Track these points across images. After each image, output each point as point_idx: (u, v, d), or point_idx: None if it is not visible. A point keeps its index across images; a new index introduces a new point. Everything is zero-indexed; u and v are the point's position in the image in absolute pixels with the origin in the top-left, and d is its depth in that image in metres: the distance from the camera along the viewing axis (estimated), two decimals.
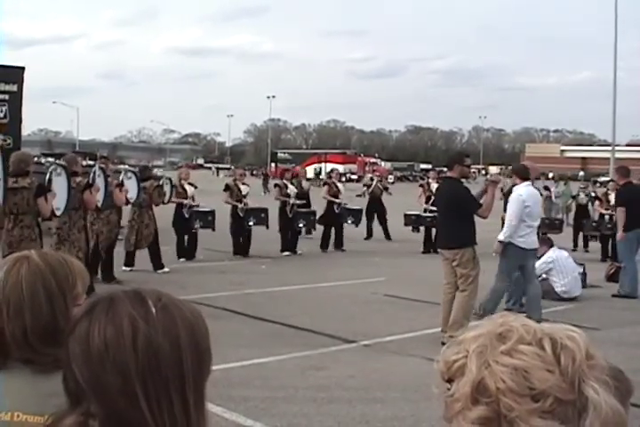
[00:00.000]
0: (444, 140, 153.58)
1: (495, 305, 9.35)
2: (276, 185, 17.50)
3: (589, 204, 19.48)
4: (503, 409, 1.02)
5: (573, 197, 21.10)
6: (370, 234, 19.99)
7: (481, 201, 8.89)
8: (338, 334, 8.64)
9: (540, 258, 10.93)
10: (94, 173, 10.76)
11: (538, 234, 10.42)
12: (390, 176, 66.88)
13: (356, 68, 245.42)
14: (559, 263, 11.39)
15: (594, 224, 17.21)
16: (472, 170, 15.74)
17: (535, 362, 1.03)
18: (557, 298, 11.09)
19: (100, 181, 10.80)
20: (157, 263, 13.22)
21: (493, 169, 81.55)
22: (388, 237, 19.71)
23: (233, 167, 53.95)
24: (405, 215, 18.40)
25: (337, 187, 17.77)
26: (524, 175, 9.65)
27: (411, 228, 18.80)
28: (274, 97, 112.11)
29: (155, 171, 19.69)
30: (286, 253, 16.28)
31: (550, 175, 59.58)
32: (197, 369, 1.23)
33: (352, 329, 8.91)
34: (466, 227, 8.71)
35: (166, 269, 13.14)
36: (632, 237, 12.12)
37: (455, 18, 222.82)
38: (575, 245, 18.43)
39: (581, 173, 64.95)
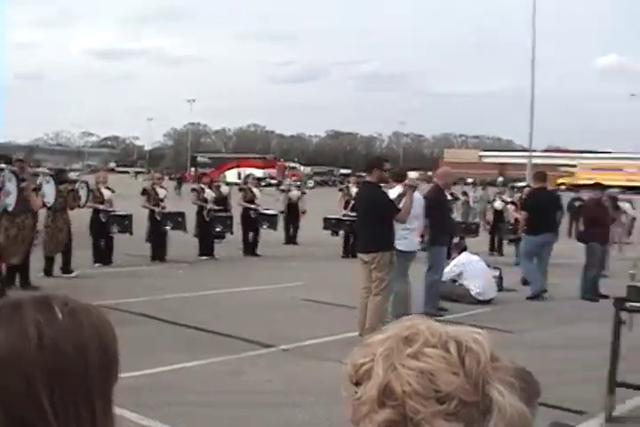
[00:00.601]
0: (363, 145, 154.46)
1: (403, 308, 9.50)
2: (193, 189, 17.43)
3: (504, 208, 19.86)
4: (409, 412, 1.01)
5: (490, 203, 21.46)
6: (289, 239, 20.02)
7: (400, 205, 8.98)
8: (256, 339, 8.59)
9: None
10: (4, 176, 10.51)
11: (451, 238, 10.61)
12: (310, 181, 67.16)
13: (277, 72, 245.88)
14: (470, 267, 11.60)
15: (509, 228, 17.53)
16: None
17: (440, 365, 1.02)
18: (474, 301, 11.27)
19: (10, 186, 10.55)
20: (66, 268, 13.03)
21: (413, 174, 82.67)
22: (293, 241, 19.97)
23: (150, 171, 53.45)
24: (325, 219, 18.49)
25: (252, 192, 17.77)
26: (397, 178, 9.92)
27: (330, 232, 18.88)
28: (194, 101, 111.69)
29: (71, 174, 19.36)
30: (204, 257, 16.21)
31: (469, 180, 60.55)
32: (104, 374, 1.20)
33: (270, 334, 8.88)
34: (384, 231, 8.79)
35: (74, 274, 12.95)
36: (539, 241, 12.44)
37: (379, 22, 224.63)
38: (492, 249, 18.77)
39: (500, 179, 66.17)
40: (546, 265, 12.59)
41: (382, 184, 9.19)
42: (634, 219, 23.04)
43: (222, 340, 8.64)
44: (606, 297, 10.60)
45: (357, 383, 1.10)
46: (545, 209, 12.38)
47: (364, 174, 11.61)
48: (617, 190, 29.55)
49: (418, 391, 1.01)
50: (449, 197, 12.34)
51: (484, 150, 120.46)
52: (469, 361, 1.03)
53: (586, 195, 14.47)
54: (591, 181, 17.14)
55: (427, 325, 1.08)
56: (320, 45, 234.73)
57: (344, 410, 1.07)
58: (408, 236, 9.71)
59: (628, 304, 5.97)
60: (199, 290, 11.82)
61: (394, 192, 9.53)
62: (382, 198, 8.92)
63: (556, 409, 6.15)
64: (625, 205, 20.84)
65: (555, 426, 1.49)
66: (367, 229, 8.99)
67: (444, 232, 10.82)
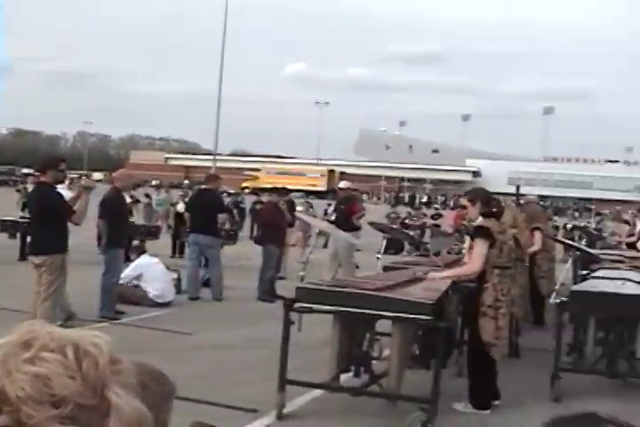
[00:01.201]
0: (47, 144, 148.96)
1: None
2: None
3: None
4: (24, 417, 0.97)
5: (172, 205, 21.53)
6: None
7: (75, 207, 8.69)
8: None
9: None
10: None
11: (131, 241, 10.47)
12: None
13: None
14: (149, 270, 11.52)
15: (188, 231, 17.61)
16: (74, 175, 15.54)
17: (57, 369, 0.99)
18: (152, 304, 11.19)
19: None
20: None
21: (97, 175, 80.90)
22: None
23: None
24: (1, 221, 17.54)
25: None
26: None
27: (7, 234, 17.95)
28: None
29: None
30: None
31: (154, 183, 60.49)
32: None
33: None
34: (56, 233, 8.48)
35: None
36: (190, 239, 12.97)
37: (67, 18, 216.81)
38: (174, 252, 18.80)
39: (186, 182, 66.79)
40: (213, 266, 12.69)
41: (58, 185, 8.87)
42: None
43: None
44: (283, 298, 10.95)
45: None
46: (203, 210, 12.65)
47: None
48: (299, 195, 30.75)
49: (32, 396, 0.97)
50: (128, 200, 12.20)
51: (171, 153, 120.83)
52: (87, 365, 1.01)
53: (266, 198, 14.93)
54: (274, 185, 17.80)
55: (47, 329, 1.04)
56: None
57: None
58: None
59: (297, 305, 6.16)
60: None
61: (65, 193, 9.24)
62: (55, 200, 8.58)
63: (228, 409, 6.25)
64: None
65: (197, 425, 1.47)
66: (38, 230, 8.64)
67: (122, 235, 10.67)
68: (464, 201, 7.51)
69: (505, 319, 6.78)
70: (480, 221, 6.96)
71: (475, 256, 6.78)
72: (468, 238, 7.49)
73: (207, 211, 12.55)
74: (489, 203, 7.04)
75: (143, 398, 1.13)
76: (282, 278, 13.88)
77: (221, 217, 12.34)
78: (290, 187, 19.13)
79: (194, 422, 1.50)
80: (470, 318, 6.93)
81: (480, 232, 6.79)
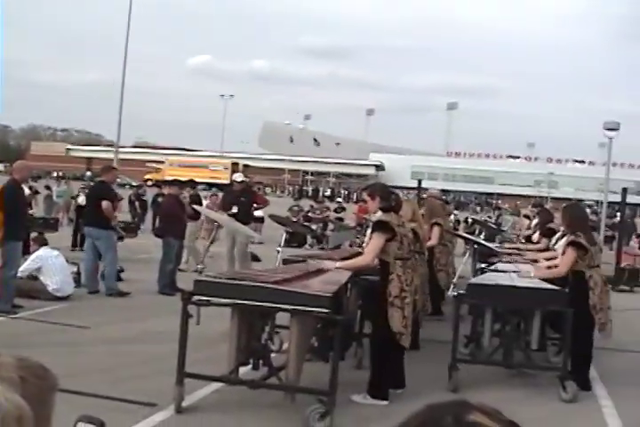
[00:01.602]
0: None
1: None
2: None
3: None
4: None
5: (73, 198, 21.11)
6: None
7: None
8: None
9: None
10: None
11: (29, 234, 10.19)
12: None
13: None
14: (48, 262, 11.26)
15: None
16: None
17: None
18: (51, 297, 10.95)
19: None
20: None
21: None
22: None
23: None
24: None
25: None
26: None
27: None
28: None
29: None
30: None
31: (55, 174, 59.22)
32: None
33: None
34: None
35: None
36: (85, 232, 12.97)
37: None
38: (74, 244, 18.44)
39: (88, 173, 65.50)
40: (104, 259, 12.34)
41: None
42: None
43: None
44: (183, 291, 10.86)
45: None
46: (93, 202, 12.50)
47: None
48: (201, 187, 30.40)
49: None
50: (27, 192, 11.89)
51: (73, 144, 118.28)
52: None
53: (167, 191, 14.74)
54: (176, 178, 17.62)
55: None
56: None
57: None
58: None
59: (196, 298, 6.13)
60: None
61: None
62: None
63: (127, 403, 6.17)
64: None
65: (84, 419, 1.44)
66: None
67: (20, 227, 10.39)
68: (364, 195, 7.61)
69: (409, 309, 6.94)
70: (379, 215, 7.12)
71: (369, 249, 6.99)
72: (368, 232, 7.62)
73: (95, 202, 12.38)
74: (388, 197, 7.19)
75: (23, 392, 1.11)
76: (182, 271, 13.86)
77: (105, 204, 12.01)
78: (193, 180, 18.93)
79: (81, 415, 1.47)
80: (375, 310, 7.05)
81: (378, 226, 6.95)
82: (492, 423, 1.02)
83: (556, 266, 8.46)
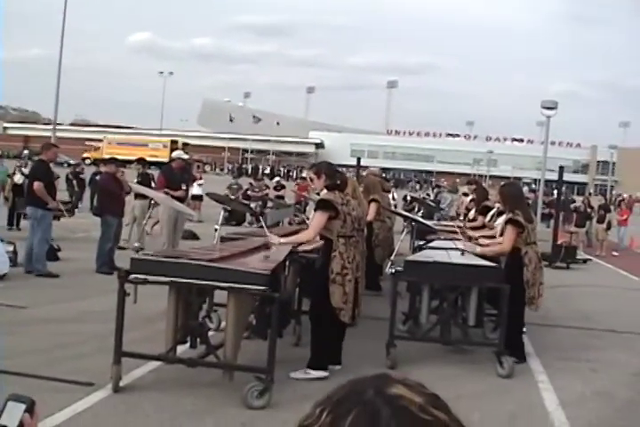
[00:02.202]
0: None
1: None
2: None
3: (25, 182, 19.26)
4: None
5: (9, 176, 20.74)
6: None
7: None
8: None
9: None
10: None
11: None
12: None
13: None
14: None
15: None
16: None
17: None
18: None
19: None
20: None
21: None
22: None
23: None
24: None
25: None
26: None
27: None
28: None
29: None
30: None
31: None
32: None
33: None
34: None
35: None
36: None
37: None
38: (10, 223, 18.16)
39: (26, 152, 64.24)
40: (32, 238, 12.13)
41: None
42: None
43: None
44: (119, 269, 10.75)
45: None
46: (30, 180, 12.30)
47: None
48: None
49: None
50: None
51: (9, 122, 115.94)
52: None
53: (104, 168, 14.55)
54: (115, 156, 17.38)
55: None
56: None
57: None
58: None
59: (132, 277, 6.07)
60: None
61: None
62: None
63: (64, 383, 6.11)
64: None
65: (13, 397, 1.41)
66: None
67: None
68: (310, 174, 7.69)
69: (350, 285, 7.04)
70: (323, 193, 7.26)
71: (311, 225, 7.19)
72: (311, 209, 7.75)
73: (30, 182, 12.18)
74: (333, 175, 7.32)
75: None
76: (123, 249, 13.76)
77: (36, 185, 11.78)
78: (130, 158, 18.70)
79: (10, 394, 1.43)
80: (316, 286, 7.15)
81: (321, 204, 7.08)
82: (413, 396, 1.03)
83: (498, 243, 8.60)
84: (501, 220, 9.20)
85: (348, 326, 7.43)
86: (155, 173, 17.35)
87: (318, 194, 8.07)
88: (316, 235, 7.10)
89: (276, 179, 32.50)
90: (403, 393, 1.04)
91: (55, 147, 12.92)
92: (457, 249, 8.96)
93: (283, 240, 7.30)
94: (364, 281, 7.59)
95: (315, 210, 7.19)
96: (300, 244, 7.66)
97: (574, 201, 29.30)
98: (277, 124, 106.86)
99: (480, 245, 9.18)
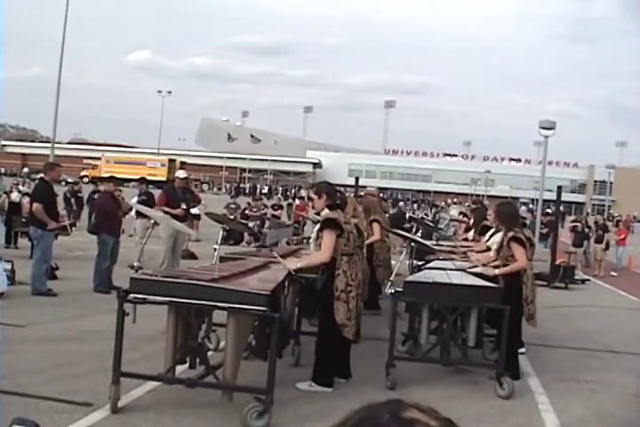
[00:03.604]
0: None
1: None
2: None
3: (21, 200, 19.26)
4: None
5: (6, 193, 20.74)
6: None
7: None
8: None
9: None
10: None
11: None
12: None
13: None
14: None
15: (23, 220, 16.97)
16: None
17: None
18: None
19: None
20: None
21: None
22: None
23: None
24: None
25: None
26: None
27: None
28: None
29: None
30: None
31: None
32: None
33: None
34: None
35: None
36: None
37: None
38: (8, 241, 18.11)
39: (26, 170, 64.36)
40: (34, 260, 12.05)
41: None
42: None
43: None
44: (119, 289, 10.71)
45: None
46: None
47: None
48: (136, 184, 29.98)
49: None
50: None
51: (7, 140, 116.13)
52: None
53: (102, 187, 14.53)
54: (113, 175, 17.39)
55: None
56: None
57: None
58: None
59: (132, 296, 6.06)
60: None
61: None
62: None
63: (62, 403, 6.07)
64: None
65: (18, 421, 1.40)
66: None
67: None
68: (311, 194, 7.82)
69: (354, 302, 7.21)
70: (326, 213, 7.35)
71: (324, 246, 7.17)
72: (315, 229, 7.85)
73: (31, 202, 12.18)
74: (334, 195, 7.51)
75: None
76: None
77: (34, 207, 11.77)
78: (129, 176, 18.71)
79: (15, 418, 1.42)
80: (322, 303, 7.31)
81: (328, 224, 7.19)
82: (429, 420, 1.03)
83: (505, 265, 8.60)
84: (495, 239, 9.29)
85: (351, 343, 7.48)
86: (154, 191, 17.35)
87: (317, 214, 8.12)
88: (331, 255, 7.15)
89: (277, 196, 32.55)
90: (418, 417, 1.04)
91: (59, 167, 12.77)
92: (455, 270, 8.96)
93: (299, 265, 7.34)
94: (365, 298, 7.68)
95: (321, 230, 7.29)
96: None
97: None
98: (275, 142, 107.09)
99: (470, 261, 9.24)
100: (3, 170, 62.61)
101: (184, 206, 13.12)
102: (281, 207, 28.96)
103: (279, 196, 36.61)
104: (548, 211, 28.32)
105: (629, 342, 10.86)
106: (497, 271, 8.57)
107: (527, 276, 8.42)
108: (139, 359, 7.31)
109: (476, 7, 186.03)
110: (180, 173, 14.10)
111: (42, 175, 12.79)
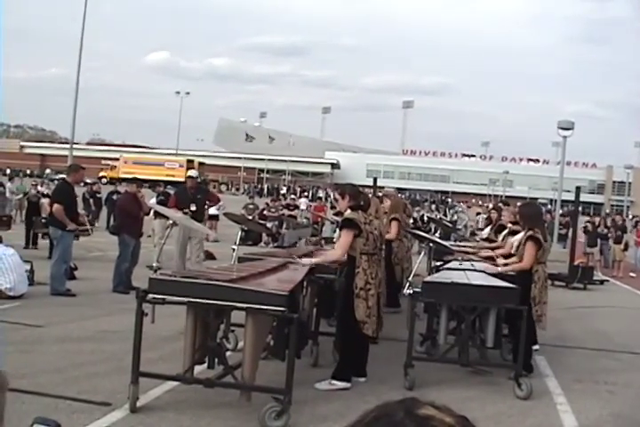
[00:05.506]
0: None
1: None
2: None
3: (40, 200, 19.37)
4: None
5: (25, 194, 20.87)
6: None
7: None
8: None
9: None
10: None
11: None
12: None
13: None
14: (4, 261, 11.07)
15: (43, 221, 17.07)
16: None
17: None
18: (5, 296, 10.79)
19: None
20: None
21: None
22: None
23: None
24: None
25: None
26: None
27: None
28: None
29: None
30: None
31: (8, 171, 58.49)
32: None
33: None
34: None
35: None
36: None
37: None
38: (27, 242, 18.20)
39: (48, 171, 64.78)
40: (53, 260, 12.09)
41: None
42: None
43: None
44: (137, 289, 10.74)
45: None
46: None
47: None
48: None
49: None
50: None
51: (26, 141, 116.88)
52: None
53: (124, 188, 14.61)
54: (131, 175, 17.45)
55: None
56: None
57: None
58: None
59: (150, 296, 6.08)
60: None
61: None
62: None
63: (81, 402, 6.10)
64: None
65: (39, 420, 1.42)
66: None
67: None
68: (335, 194, 8.02)
69: (374, 300, 7.35)
70: (347, 213, 7.51)
71: (338, 244, 7.52)
72: (337, 229, 8.14)
73: (51, 203, 12.22)
74: (357, 196, 7.62)
75: None
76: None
77: (54, 208, 11.82)
78: (148, 177, 18.79)
79: (37, 417, 1.44)
80: (342, 300, 7.48)
81: (346, 223, 7.39)
82: (444, 416, 1.04)
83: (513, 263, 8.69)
84: (515, 238, 9.33)
85: (370, 342, 7.53)
86: (172, 192, 17.43)
87: (335, 215, 8.21)
88: (345, 253, 7.36)
89: (292, 196, 32.55)
90: (433, 414, 1.05)
91: (83, 169, 12.77)
92: (472, 270, 8.95)
93: (314, 260, 7.63)
94: (385, 298, 7.75)
95: (340, 229, 7.52)
96: None
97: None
98: (292, 144, 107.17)
99: (497, 265, 9.20)
100: (7, 171, 62.77)
101: (193, 208, 13.11)
102: (297, 207, 28.96)
103: (292, 196, 36.46)
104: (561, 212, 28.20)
105: None
106: (500, 269, 8.65)
107: (538, 276, 8.55)
108: (157, 359, 7.33)
109: (490, 8, 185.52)
110: (191, 173, 14.14)
111: (64, 176, 12.84)
